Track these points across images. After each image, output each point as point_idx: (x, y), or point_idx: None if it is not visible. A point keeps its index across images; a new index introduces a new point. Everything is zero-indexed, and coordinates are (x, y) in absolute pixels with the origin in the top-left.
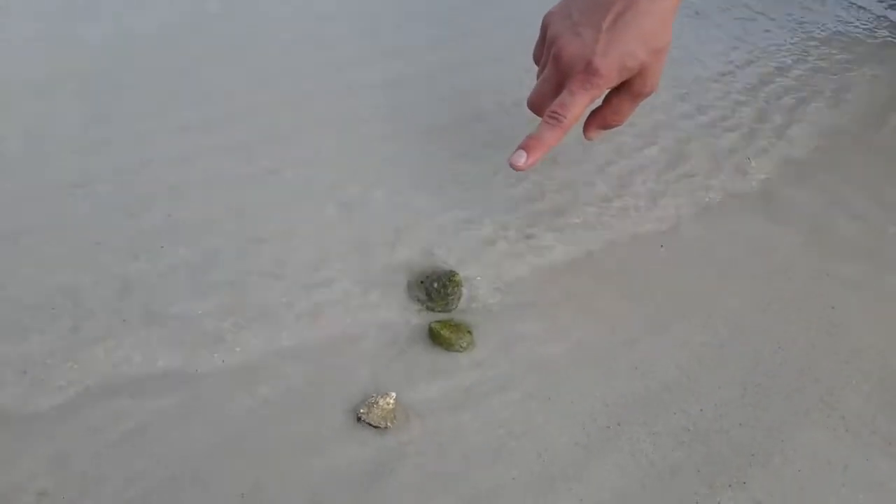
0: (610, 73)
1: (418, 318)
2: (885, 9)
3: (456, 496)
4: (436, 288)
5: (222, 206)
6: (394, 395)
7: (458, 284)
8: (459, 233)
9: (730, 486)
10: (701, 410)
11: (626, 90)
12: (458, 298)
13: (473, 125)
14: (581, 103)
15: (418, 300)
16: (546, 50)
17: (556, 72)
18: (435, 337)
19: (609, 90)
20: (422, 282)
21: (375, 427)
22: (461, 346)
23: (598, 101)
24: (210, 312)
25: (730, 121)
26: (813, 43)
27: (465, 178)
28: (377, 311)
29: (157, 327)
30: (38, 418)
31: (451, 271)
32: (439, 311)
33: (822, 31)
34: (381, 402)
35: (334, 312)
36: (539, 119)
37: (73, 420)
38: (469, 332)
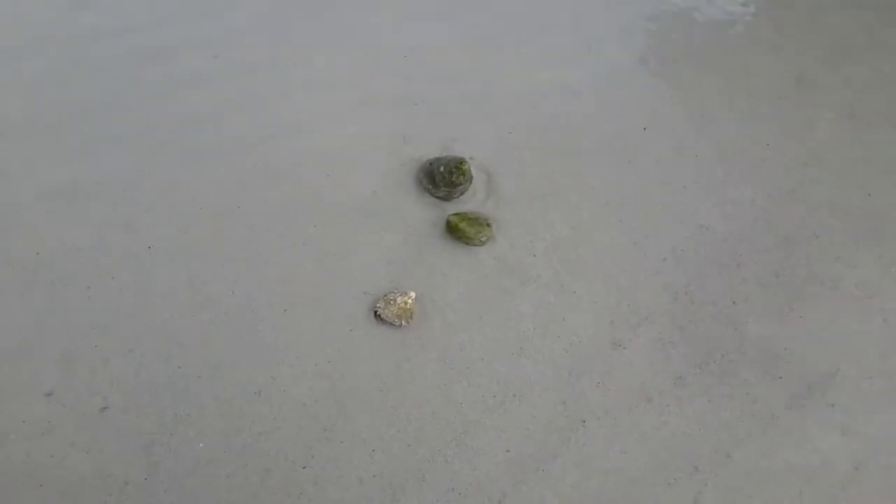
0: None
1: (435, 210)
2: None
3: (478, 391)
4: (441, 172)
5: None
6: (413, 294)
7: (464, 173)
8: (477, 123)
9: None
10: (740, 308)
11: None
12: (464, 189)
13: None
14: None
15: (422, 185)
16: None
17: None
18: (453, 230)
19: None
20: (430, 163)
21: (391, 324)
22: (480, 240)
23: None
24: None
25: None
26: None
27: (482, 72)
28: (392, 201)
29: None
30: None
31: (459, 158)
32: (441, 199)
33: None
34: (399, 299)
35: (347, 204)
36: None
37: None
38: (488, 224)
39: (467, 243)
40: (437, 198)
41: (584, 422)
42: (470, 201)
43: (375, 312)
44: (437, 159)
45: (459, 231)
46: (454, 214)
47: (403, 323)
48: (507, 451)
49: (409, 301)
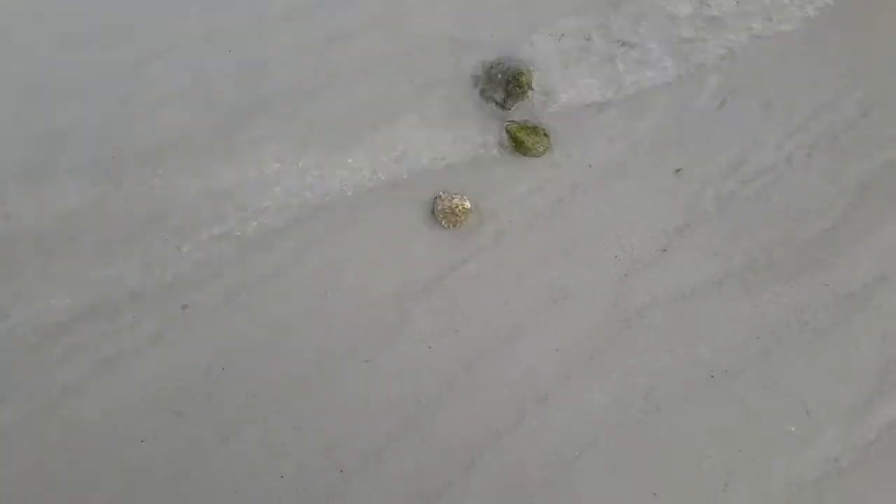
0: None
1: (494, 119)
2: None
3: (528, 292)
4: (499, 78)
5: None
6: (468, 202)
7: (521, 85)
8: (542, 36)
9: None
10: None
11: None
12: (519, 98)
13: None
14: None
15: (479, 85)
16: None
17: None
18: (512, 140)
19: None
20: (491, 67)
21: (440, 224)
22: (538, 151)
23: None
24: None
25: None
26: None
27: None
28: (450, 110)
29: None
30: None
31: (519, 69)
32: (492, 103)
33: None
34: (455, 200)
35: (408, 109)
36: None
37: None
38: (546, 134)
39: (525, 154)
40: (491, 100)
41: (629, 324)
42: (528, 111)
43: (433, 206)
44: (499, 64)
45: (518, 141)
46: (513, 123)
47: (445, 224)
48: (557, 349)
49: (461, 207)
